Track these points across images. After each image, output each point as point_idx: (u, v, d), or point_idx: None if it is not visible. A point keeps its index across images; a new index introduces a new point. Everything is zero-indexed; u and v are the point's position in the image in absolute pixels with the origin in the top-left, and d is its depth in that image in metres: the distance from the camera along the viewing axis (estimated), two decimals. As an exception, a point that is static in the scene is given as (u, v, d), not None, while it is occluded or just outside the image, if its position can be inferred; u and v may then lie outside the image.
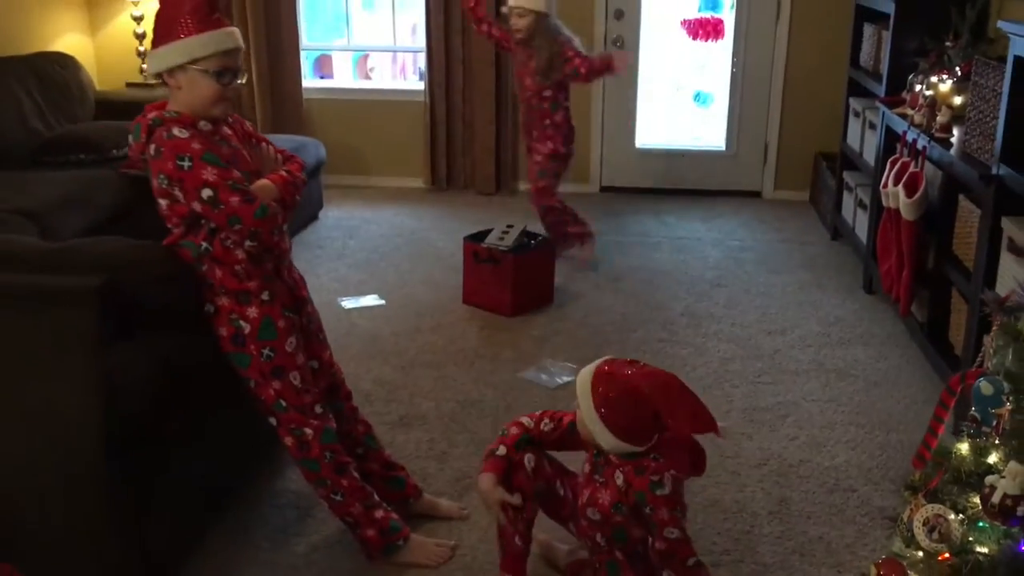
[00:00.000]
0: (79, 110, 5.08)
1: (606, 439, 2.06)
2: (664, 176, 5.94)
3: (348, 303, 4.16)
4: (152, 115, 2.17)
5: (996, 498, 1.51)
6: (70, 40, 5.64)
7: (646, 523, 2.11)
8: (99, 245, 2.17)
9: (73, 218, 3.84)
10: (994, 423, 1.58)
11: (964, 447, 1.67)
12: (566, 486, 2.31)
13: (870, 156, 4.37)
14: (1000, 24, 2.84)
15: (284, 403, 2.32)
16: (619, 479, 2.10)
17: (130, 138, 2.20)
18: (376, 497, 2.46)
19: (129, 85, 5.77)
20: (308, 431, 2.34)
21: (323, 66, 6.59)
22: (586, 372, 2.11)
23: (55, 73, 5.03)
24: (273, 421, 2.35)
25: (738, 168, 5.90)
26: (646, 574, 2.19)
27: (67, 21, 5.66)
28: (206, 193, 2.10)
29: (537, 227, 4.42)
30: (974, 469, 1.62)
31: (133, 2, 5.62)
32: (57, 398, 1.99)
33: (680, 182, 5.93)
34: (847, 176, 4.80)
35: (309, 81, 6.07)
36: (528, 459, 2.23)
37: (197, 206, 2.13)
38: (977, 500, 1.58)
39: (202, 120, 2.18)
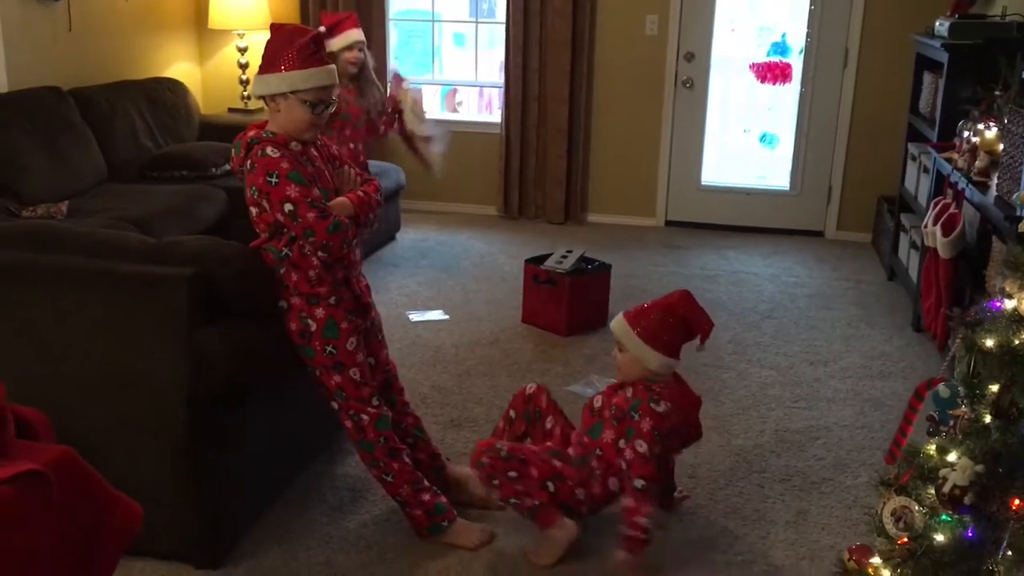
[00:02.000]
0: (185, 131, 5.58)
1: (652, 357, 2.59)
2: (728, 213, 6.13)
3: (415, 316, 4.48)
4: (251, 134, 2.52)
5: (947, 488, 1.70)
6: (180, 68, 6.19)
7: (622, 431, 2.57)
8: (194, 242, 2.52)
9: (174, 227, 4.26)
10: (951, 423, 1.77)
11: (932, 446, 1.87)
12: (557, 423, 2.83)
13: (923, 198, 4.51)
14: (1026, 75, 3.01)
15: (344, 393, 2.62)
16: (628, 392, 2.64)
17: (232, 151, 2.56)
18: (425, 482, 2.73)
19: (231, 110, 6.27)
20: (365, 417, 2.63)
21: (412, 98, 6.95)
22: (617, 320, 2.66)
23: (165, 97, 5.54)
24: (335, 405, 2.65)
25: (801, 208, 6.06)
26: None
27: (179, 51, 6.21)
28: (287, 207, 2.44)
29: (596, 253, 4.67)
30: (937, 465, 1.81)
31: (239, 35, 6.13)
32: (153, 368, 2.33)
33: (743, 219, 6.11)
34: (904, 218, 4.93)
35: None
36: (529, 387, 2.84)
37: (280, 217, 2.47)
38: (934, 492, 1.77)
39: (294, 141, 2.52)
